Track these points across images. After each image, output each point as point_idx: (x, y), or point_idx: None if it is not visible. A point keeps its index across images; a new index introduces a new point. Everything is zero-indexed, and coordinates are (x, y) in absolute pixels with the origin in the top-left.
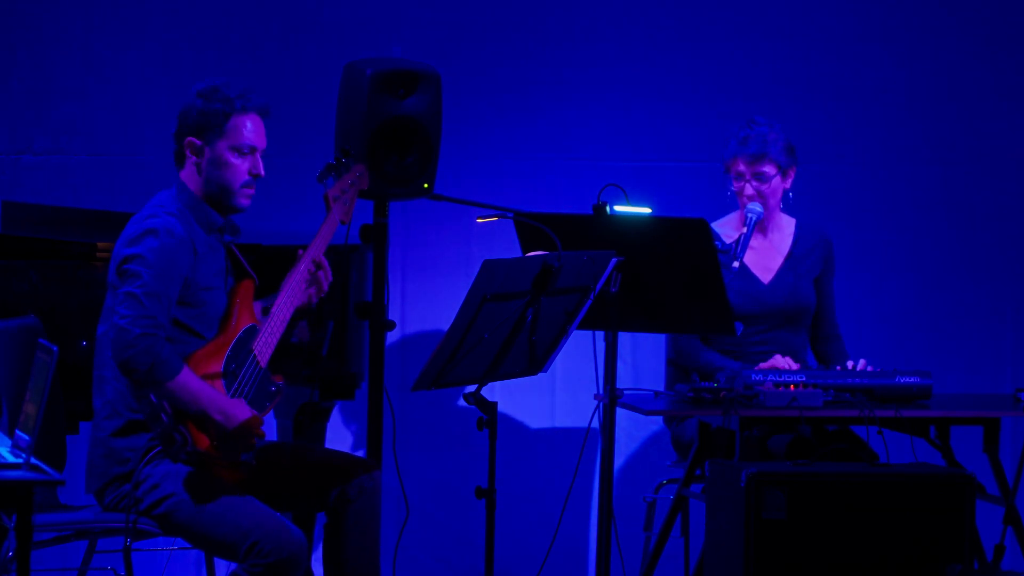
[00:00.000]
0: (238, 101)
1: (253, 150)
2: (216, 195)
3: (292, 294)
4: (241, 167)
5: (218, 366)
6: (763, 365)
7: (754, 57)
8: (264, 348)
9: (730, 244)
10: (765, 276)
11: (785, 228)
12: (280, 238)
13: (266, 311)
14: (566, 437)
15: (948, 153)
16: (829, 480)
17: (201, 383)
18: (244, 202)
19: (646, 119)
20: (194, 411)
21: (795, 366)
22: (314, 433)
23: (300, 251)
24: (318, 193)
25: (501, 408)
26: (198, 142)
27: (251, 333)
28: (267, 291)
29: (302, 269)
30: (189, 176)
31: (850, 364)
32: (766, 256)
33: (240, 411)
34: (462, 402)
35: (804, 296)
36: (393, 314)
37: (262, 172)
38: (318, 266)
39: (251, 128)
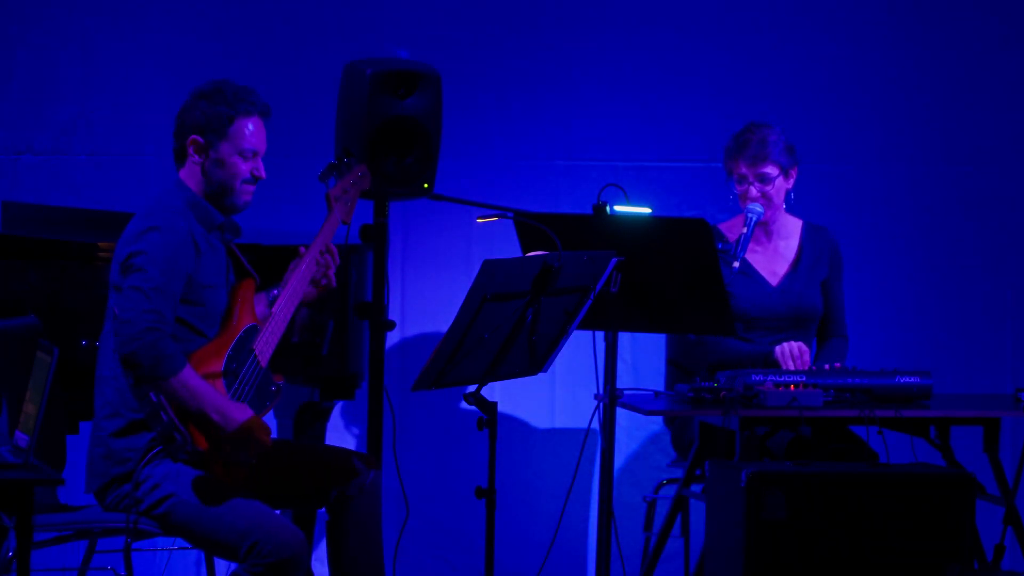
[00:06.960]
0: (242, 104)
1: (255, 153)
2: (216, 193)
3: (294, 293)
4: (243, 168)
5: (219, 365)
6: (778, 350)
7: (754, 57)
8: (265, 348)
9: (730, 244)
10: (773, 280)
11: (792, 230)
12: (279, 238)
13: (271, 303)
14: (566, 437)
15: (949, 153)
16: (829, 480)
17: (202, 382)
18: (244, 198)
19: (646, 119)
20: (193, 410)
21: (806, 350)
22: (314, 433)
23: (302, 249)
24: (318, 193)
25: (501, 408)
26: (201, 140)
27: (252, 333)
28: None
29: (303, 269)
30: (189, 174)
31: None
32: (773, 260)
33: (238, 413)
34: (462, 402)
35: (812, 300)
36: (393, 314)
37: (263, 175)
38: (329, 253)
39: (253, 131)
